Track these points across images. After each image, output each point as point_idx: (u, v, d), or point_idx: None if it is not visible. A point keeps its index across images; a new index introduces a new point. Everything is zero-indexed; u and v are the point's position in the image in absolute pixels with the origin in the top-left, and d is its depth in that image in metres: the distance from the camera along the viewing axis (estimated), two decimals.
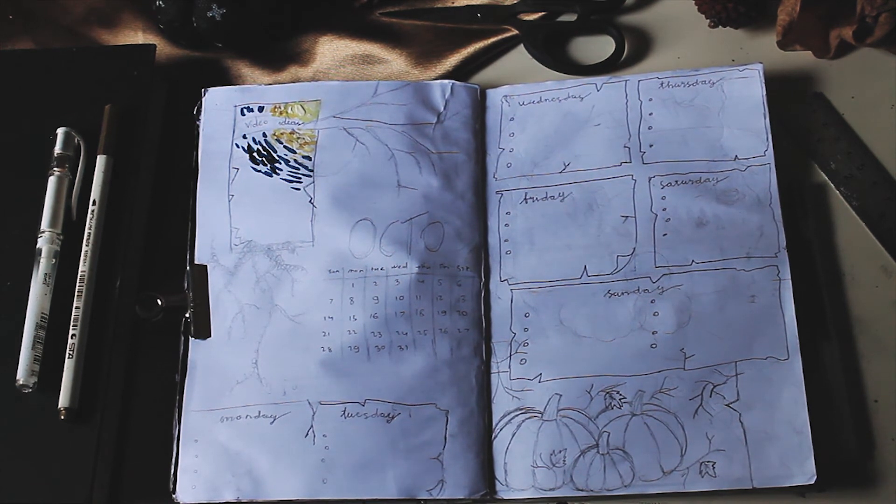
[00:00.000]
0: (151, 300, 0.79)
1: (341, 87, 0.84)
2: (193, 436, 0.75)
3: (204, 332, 0.78)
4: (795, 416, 0.72)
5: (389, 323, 0.77)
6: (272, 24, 0.89)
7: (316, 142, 0.83)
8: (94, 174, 0.80)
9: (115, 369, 0.76)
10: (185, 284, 0.80)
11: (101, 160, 0.81)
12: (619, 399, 0.74)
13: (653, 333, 0.75)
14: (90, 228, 0.78)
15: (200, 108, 0.85)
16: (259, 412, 0.75)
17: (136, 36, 0.91)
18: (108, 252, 0.78)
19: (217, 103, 0.85)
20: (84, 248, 0.77)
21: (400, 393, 0.75)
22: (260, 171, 0.82)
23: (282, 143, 0.83)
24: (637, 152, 0.81)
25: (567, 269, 0.78)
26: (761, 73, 0.82)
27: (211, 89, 0.85)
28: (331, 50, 0.90)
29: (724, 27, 0.86)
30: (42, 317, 0.75)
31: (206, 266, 0.80)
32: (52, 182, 0.80)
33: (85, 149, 0.81)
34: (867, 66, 0.85)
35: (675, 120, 0.82)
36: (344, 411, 0.75)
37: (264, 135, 0.83)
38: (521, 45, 0.89)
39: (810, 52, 0.85)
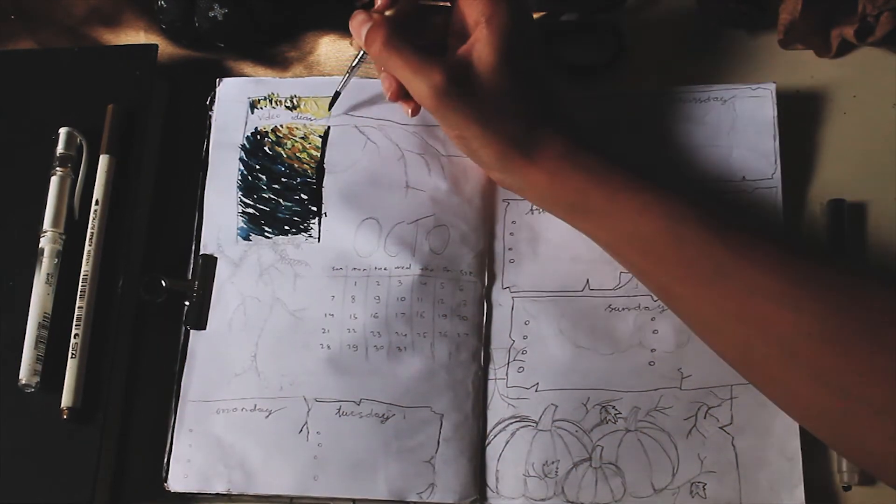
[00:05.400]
0: (156, 281, 0.79)
1: (355, 83, 0.84)
2: (188, 425, 0.76)
3: (199, 322, 0.78)
4: (787, 443, 0.72)
5: (389, 323, 0.77)
6: (274, 25, 0.89)
7: (327, 138, 0.83)
8: (96, 174, 0.80)
9: (118, 369, 0.77)
10: (191, 272, 0.80)
11: (103, 160, 0.81)
12: (615, 414, 0.74)
13: (651, 351, 0.75)
14: (93, 228, 0.78)
15: (214, 99, 0.85)
16: (255, 406, 0.76)
17: (138, 36, 0.91)
18: (110, 251, 0.78)
19: (231, 94, 0.85)
20: (87, 247, 0.78)
21: (396, 394, 0.75)
22: (269, 164, 0.82)
23: (293, 137, 0.83)
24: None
25: (569, 280, 0.78)
26: (773, 93, 0.80)
27: (226, 80, 0.85)
28: (333, 50, 0.89)
29: (725, 27, 0.86)
30: (44, 316, 0.76)
31: (215, 257, 0.80)
32: (54, 182, 0.80)
33: (87, 148, 0.81)
34: (868, 65, 0.84)
35: (685, 136, 0.81)
36: (339, 409, 0.75)
37: (276, 128, 0.83)
38: None
39: (812, 51, 0.85)
